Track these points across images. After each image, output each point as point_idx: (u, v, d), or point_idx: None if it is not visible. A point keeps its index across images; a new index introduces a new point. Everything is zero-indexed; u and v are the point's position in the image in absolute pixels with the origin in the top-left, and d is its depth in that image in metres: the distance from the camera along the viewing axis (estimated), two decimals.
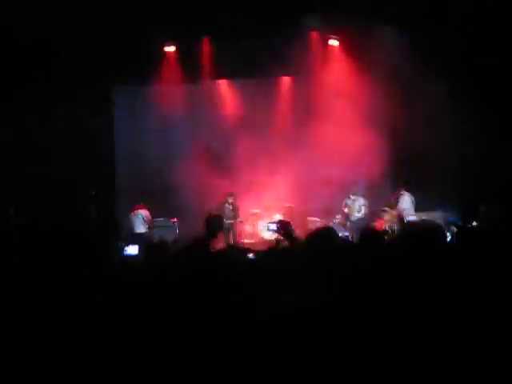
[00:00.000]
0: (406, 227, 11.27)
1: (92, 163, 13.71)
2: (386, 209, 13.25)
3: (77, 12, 12.25)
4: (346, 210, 13.55)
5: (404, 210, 12.97)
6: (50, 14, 12.06)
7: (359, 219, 13.25)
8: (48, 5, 11.92)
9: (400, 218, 12.94)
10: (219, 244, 12.59)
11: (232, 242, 13.14)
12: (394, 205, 13.22)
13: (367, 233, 4.58)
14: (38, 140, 13.11)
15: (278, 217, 13.99)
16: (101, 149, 14.15)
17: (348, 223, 13.47)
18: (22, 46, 12.64)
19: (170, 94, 14.23)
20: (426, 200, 13.06)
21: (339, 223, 13.59)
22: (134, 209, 13.35)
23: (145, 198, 13.48)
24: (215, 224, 5.14)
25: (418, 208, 13.07)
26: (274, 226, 12.58)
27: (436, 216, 12.61)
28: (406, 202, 13.04)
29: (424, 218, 12.67)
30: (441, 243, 3.81)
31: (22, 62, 12.81)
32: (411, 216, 12.87)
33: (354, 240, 11.54)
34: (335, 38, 14.38)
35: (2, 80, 12.77)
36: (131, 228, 13.29)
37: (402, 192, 13.15)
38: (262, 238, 13.68)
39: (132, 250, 9.16)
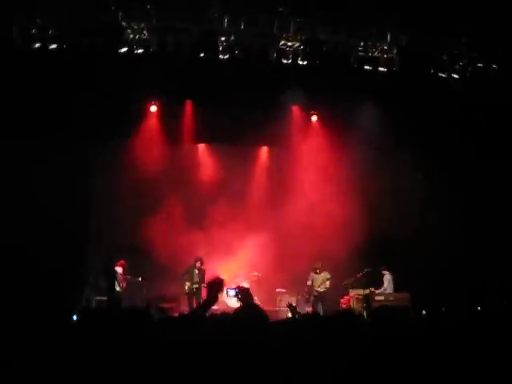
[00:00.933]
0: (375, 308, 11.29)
1: (67, 216, 13.46)
2: (372, 289, 13.25)
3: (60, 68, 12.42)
4: (309, 282, 13.53)
5: (386, 288, 13.17)
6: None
7: (321, 292, 13.23)
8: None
9: (368, 298, 12.94)
10: (184, 308, 12.52)
11: (196, 305, 12.86)
12: (361, 283, 13.27)
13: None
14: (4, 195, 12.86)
15: (246, 285, 13.87)
16: (76, 202, 13.91)
17: (311, 297, 13.39)
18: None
19: (149, 152, 14.24)
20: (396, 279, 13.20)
21: (304, 298, 13.54)
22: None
23: (122, 254, 13.22)
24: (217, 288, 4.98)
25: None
26: (233, 292, 12.53)
27: (404, 297, 12.65)
28: (390, 281, 13.27)
29: (391, 298, 12.75)
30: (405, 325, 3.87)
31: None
32: (378, 296, 12.95)
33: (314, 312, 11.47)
34: (314, 114, 14.72)
35: None
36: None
37: (384, 271, 13.29)
38: (227, 304, 13.44)
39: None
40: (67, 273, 12.57)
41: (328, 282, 13.46)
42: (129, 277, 13.33)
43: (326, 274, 13.57)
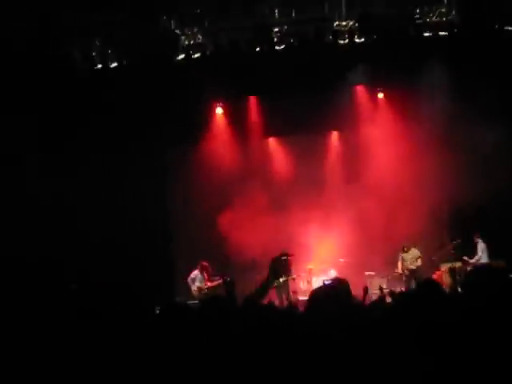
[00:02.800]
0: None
1: (146, 225, 13.85)
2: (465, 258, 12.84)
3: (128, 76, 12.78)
4: (399, 263, 13.28)
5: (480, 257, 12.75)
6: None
7: (413, 270, 12.94)
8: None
9: (461, 269, 12.51)
10: (274, 300, 12.54)
11: (286, 299, 12.89)
12: (451, 256, 12.85)
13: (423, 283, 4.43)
14: (93, 201, 13.35)
15: (333, 272, 13.76)
16: (154, 210, 14.30)
17: (403, 276, 13.09)
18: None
19: (221, 152, 14.44)
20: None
21: (394, 277, 13.26)
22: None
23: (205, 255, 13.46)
24: (279, 264, 4.86)
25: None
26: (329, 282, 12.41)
27: (500, 265, 12.13)
28: (484, 250, 12.84)
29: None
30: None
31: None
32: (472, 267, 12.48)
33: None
34: (380, 91, 14.37)
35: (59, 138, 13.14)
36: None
37: (477, 240, 12.89)
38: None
39: None
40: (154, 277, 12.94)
41: (419, 260, 13.18)
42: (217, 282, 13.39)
43: (415, 252, 13.29)
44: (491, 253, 12.72)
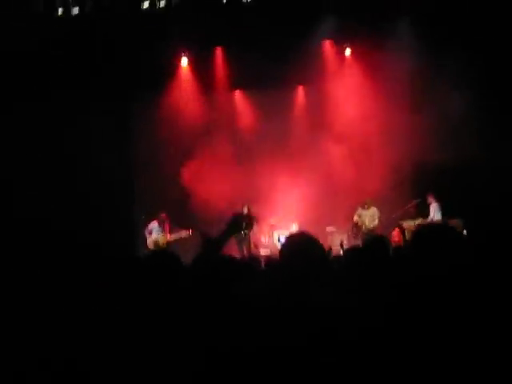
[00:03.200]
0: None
1: (111, 175, 13.64)
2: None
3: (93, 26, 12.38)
4: (355, 217, 13.51)
5: (434, 219, 12.93)
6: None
7: (370, 229, 13.15)
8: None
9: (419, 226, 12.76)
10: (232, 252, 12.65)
11: (247, 252, 13.01)
12: (412, 214, 13.07)
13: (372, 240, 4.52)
14: (57, 151, 13.03)
15: (296, 227, 13.91)
16: (119, 160, 14.09)
17: (360, 233, 13.30)
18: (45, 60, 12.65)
19: (185, 103, 14.25)
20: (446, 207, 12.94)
21: (352, 234, 13.47)
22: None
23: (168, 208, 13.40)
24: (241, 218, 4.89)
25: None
26: (284, 239, 12.59)
27: (456, 224, 12.41)
28: (436, 210, 13.03)
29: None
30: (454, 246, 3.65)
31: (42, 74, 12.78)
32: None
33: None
34: (348, 46, 14.28)
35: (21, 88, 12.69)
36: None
37: (430, 200, 13.08)
38: (278, 248, 13.52)
39: None
40: (116, 233, 12.87)
41: (377, 219, 13.35)
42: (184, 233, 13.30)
43: (374, 210, 13.43)
44: (451, 213, 12.93)
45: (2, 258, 9.04)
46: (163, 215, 13.13)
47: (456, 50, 12.64)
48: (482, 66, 12.77)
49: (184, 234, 12.92)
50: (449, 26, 12.49)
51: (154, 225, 13.11)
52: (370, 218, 13.35)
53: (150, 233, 13.08)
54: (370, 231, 13.15)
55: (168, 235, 13.07)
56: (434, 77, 12.74)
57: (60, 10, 12.13)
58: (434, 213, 13.03)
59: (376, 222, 13.29)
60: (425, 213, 13.21)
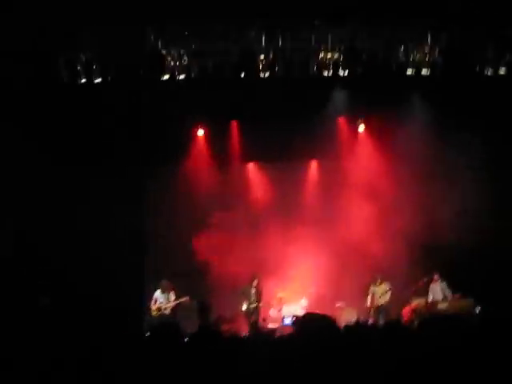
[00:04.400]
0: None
1: (123, 246, 13.76)
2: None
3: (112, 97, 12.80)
4: (369, 296, 13.35)
5: (435, 298, 12.87)
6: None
7: (382, 305, 12.98)
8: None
9: (429, 307, 12.58)
10: (241, 327, 12.49)
11: (255, 325, 12.84)
12: (423, 292, 12.90)
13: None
14: (74, 224, 13.27)
15: (305, 302, 13.75)
16: (131, 233, 14.19)
17: (372, 310, 13.11)
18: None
19: (200, 175, 14.43)
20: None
21: (365, 309, 13.26)
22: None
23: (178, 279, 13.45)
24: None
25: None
26: (289, 320, 12.48)
27: (468, 303, 12.22)
28: (438, 289, 12.95)
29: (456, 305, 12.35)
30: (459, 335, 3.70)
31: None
32: (441, 305, 12.59)
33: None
34: (361, 123, 14.53)
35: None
36: None
37: (436, 279, 12.98)
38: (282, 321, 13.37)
39: None
40: (126, 301, 12.85)
41: (388, 294, 13.21)
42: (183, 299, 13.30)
43: (385, 286, 13.35)
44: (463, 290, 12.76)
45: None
46: (164, 283, 13.15)
47: (464, 126, 12.92)
48: (497, 145, 12.99)
49: (183, 299, 13.12)
50: (457, 104, 12.77)
51: (157, 294, 13.17)
52: (382, 293, 13.20)
53: (155, 302, 13.14)
54: (382, 306, 12.98)
55: (171, 302, 13.14)
56: (443, 154, 12.88)
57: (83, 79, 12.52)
58: (442, 291, 12.81)
59: (387, 296, 13.13)
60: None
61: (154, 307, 13.12)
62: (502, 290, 11.44)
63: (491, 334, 3.76)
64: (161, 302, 13.13)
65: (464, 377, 3.16)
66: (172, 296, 13.18)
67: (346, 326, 4.99)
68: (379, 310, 13.06)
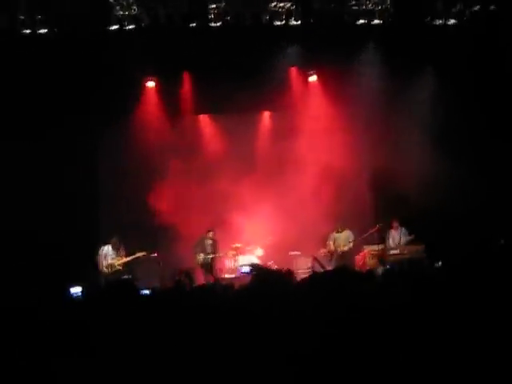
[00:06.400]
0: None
1: (76, 201, 13.57)
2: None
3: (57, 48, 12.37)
4: (330, 242, 13.53)
5: (392, 244, 13.24)
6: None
7: (345, 252, 13.29)
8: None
9: (382, 252, 12.98)
10: (199, 279, 12.63)
11: (213, 277, 13.00)
12: (378, 239, 13.26)
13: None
14: (23, 173, 12.97)
15: (260, 251, 13.96)
16: (85, 187, 13.99)
17: (334, 256, 13.39)
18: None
19: (151, 127, 14.20)
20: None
21: (324, 256, 13.53)
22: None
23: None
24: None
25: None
26: (247, 269, 12.66)
27: (419, 249, 12.67)
28: (403, 234, 13.28)
29: (406, 251, 12.76)
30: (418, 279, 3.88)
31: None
32: (393, 250, 13.00)
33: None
34: (313, 73, 14.54)
35: None
36: None
37: (395, 225, 13.30)
38: (241, 274, 13.55)
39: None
40: (79, 255, 12.76)
41: (351, 242, 13.45)
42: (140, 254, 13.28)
43: (348, 233, 13.53)
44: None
45: None
46: (115, 240, 13.07)
47: (415, 76, 13.13)
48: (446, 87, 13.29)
49: (140, 254, 13.03)
50: (409, 53, 12.94)
51: (107, 249, 13.03)
52: (344, 240, 13.46)
53: (105, 257, 13.01)
54: (344, 254, 13.27)
55: (123, 258, 13.04)
56: (395, 104, 13.10)
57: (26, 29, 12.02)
58: (403, 236, 13.21)
59: (351, 244, 13.41)
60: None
61: (104, 263, 12.96)
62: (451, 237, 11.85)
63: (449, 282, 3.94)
64: (112, 258, 12.98)
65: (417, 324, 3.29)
66: (122, 251, 13.10)
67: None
68: (341, 257, 13.29)
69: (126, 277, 12.72)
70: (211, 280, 12.70)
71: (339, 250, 13.43)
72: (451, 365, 2.95)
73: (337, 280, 4.21)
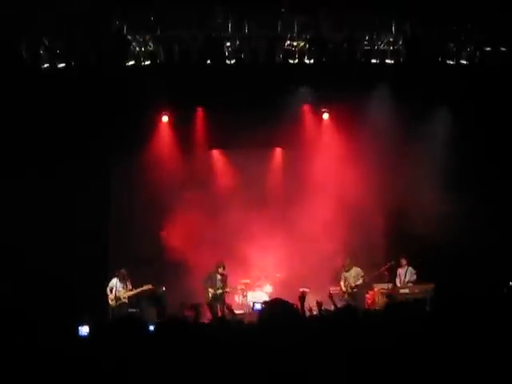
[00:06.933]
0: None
1: (87, 234, 13.65)
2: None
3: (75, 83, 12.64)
4: (341, 282, 13.45)
5: (406, 282, 13.15)
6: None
7: (356, 287, 13.20)
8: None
9: (392, 291, 12.86)
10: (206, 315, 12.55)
11: (221, 312, 12.89)
12: (387, 277, 13.16)
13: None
14: (35, 207, 13.10)
15: (269, 288, 13.88)
16: (96, 219, 14.07)
17: (346, 295, 13.29)
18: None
19: (164, 162, 14.38)
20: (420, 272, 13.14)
21: (337, 294, 13.38)
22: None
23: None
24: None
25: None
26: (259, 306, 12.55)
27: (429, 288, 12.56)
28: (411, 273, 13.23)
29: (416, 290, 12.65)
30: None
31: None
32: (403, 289, 12.89)
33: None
34: (325, 111, 14.68)
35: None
36: None
37: (403, 264, 13.24)
38: (252, 309, 13.44)
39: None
40: (88, 288, 12.77)
41: (361, 278, 13.26)
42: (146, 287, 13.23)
43: (357, 270, 13.37)
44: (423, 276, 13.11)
45: None
46: (122, 271, 13.02)
47: (428, 113, 13.23)
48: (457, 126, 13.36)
49: (146, 287, 12.96)
50: (421, 92, 13.05)
51: (115, 282, 12.99)
52: (354, 278, 13.29)
53: (111, 290, 12.96)
54: (355, 290, 13.16)
55: (130, 290, 12.99)
56: (408, 138, 13.19)
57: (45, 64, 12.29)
58: (408, 275, 13.14)
59: (360, 280, 13.24)
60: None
61: (111, 296, 12.90)
62: (461, 277, 11.77)
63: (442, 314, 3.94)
64: (119, 291, 12.91)
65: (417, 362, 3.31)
66: (129, 284, 13.04)
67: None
68: (353, 294, 13.17)
69: (132, 310, 12.69)
70: (220, 313, 12.60)
71: (350, 287, 13.30)
72: None
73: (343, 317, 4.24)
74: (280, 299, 4.38)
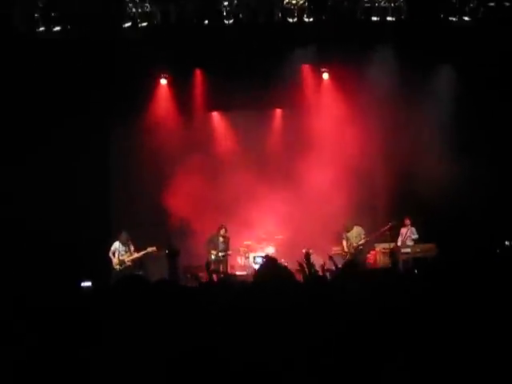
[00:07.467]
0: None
1: (88, 198, 13.67)
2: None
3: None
4: (344, 243, 13.47)
5: (399, 242, 13.21)
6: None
7: (359, 246, 13.24)
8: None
9: (394, 250, 12.91)
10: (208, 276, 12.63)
11: (224, 273, 12.99)
12: (390, 237, 13.20)
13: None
14: (36, 171, 13.08)
15: (271, 249, 13.95)
16: (97, 184, 14.08)
17: (348, 255, 13.34)
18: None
19: (164, 124, 14.29)
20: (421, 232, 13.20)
21: (339, 255, 13.45)
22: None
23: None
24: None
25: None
26: (260, 260, 12.60)
27: (431, 247, 12.63)
28: (413, 233, 13.33)
29: (418, 250, 12.72)
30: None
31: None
32: (404, 249, 12.95)
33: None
34: (325, 71, 14.49)
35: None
36: None
37: (407, 223, 13.30)
38: (254, 269, 13.53)
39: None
40: (91, 253, 12.84)
41: (363, 236, 13.24)
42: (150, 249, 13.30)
43: (358, 229, 13.33)
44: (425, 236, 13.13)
45: None
46: (124, 234, 13.03)
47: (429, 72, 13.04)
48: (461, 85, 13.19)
49: (150, 249, 12.97)
50: (422, 50, 12.86)
51: (116, 245, 13.02)
52: (356, 238, 13.28)
53: (114, 254, 13.00)
54: (358, 249, 13.19)
55: (133, 253, 13.04)
56: (408, 101, 13.03)
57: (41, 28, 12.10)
58: (410, 235, 13.18)
59: (362, 240, 13.24)
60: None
61: (115, 260, 12.94)
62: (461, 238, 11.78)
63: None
64: (122, 255, 12.94)
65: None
66: (131, 247, 13.09)
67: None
68: (355, 255, 13.19)
69: (138, 273, 12.77)
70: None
71: (352, 247, 13.34)
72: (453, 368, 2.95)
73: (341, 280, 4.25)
74: (275, 261, 4.41)
